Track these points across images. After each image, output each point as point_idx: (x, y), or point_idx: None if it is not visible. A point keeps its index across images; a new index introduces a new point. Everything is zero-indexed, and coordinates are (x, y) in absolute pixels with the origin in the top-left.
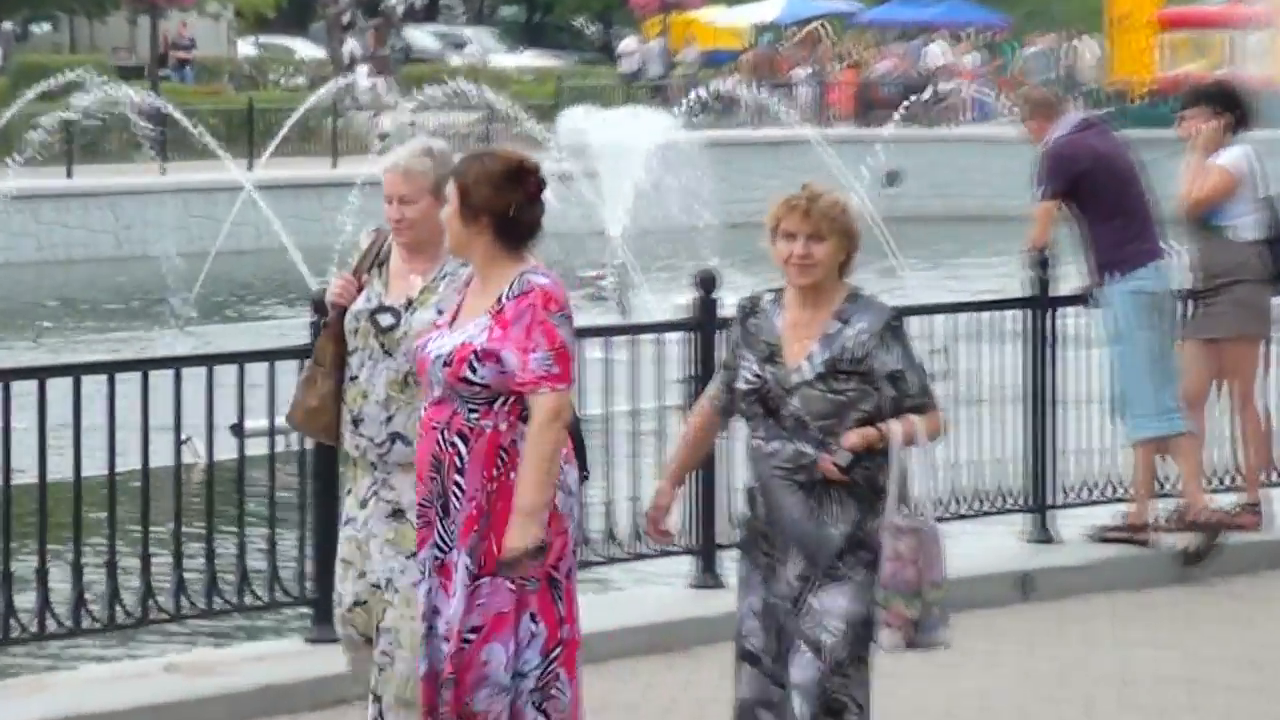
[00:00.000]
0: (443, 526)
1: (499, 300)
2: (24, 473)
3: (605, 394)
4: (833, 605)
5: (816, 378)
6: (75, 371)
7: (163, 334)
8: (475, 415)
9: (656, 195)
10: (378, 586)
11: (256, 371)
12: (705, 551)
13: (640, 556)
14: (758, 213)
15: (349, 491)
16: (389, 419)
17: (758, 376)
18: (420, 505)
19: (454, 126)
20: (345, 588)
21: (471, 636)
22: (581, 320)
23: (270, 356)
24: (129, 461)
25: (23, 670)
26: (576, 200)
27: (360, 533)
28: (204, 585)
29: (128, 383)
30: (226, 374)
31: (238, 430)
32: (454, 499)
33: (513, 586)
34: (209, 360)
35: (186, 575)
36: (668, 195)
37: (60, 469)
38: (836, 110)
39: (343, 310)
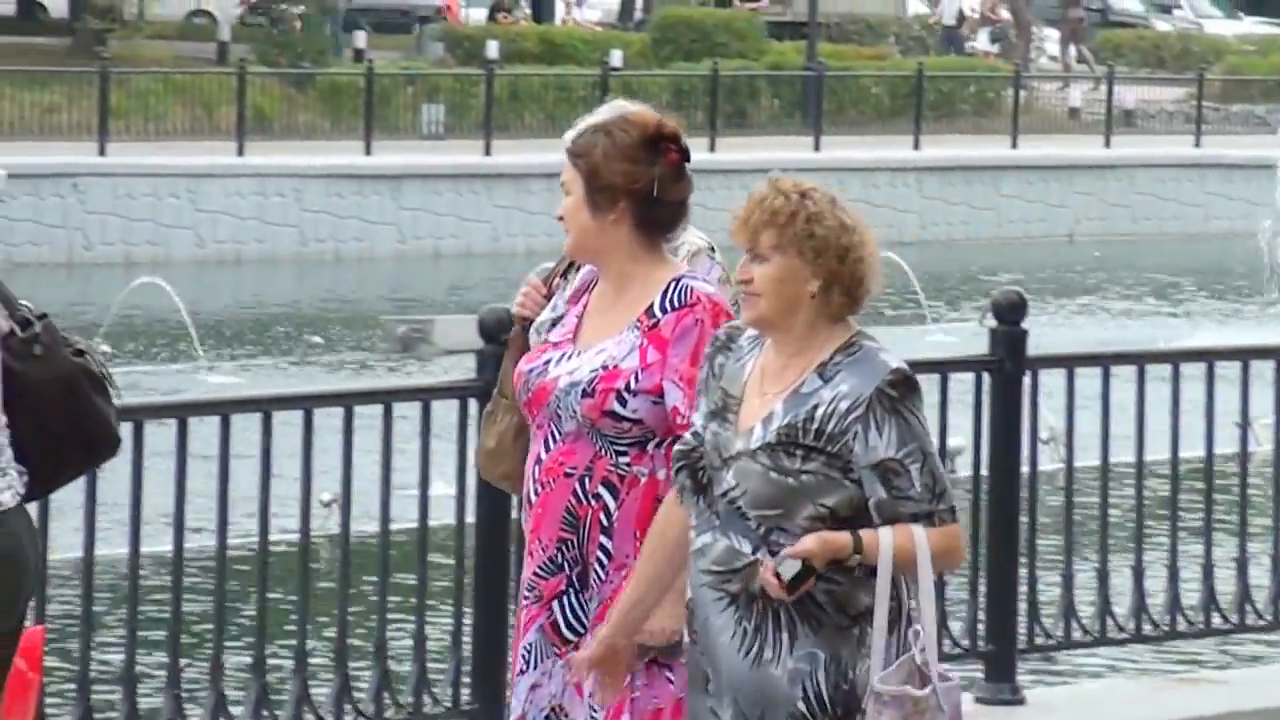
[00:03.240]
0: (577, 602)
1: (650, 312)
2: None
3: None
4: None
5: (763, 448)
6: None
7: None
8: (625, 460)
9: None
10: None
11: None
12: None
13: None
14: None
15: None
16: None
17: (696, 435)
18: (535, 575)
19: (1156, 103)
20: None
21: None
22: None
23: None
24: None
25: None
26: None
27: None
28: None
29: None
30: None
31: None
32: (596, 569)
33: (672, 675)
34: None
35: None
36: None
37: None
38: None
39: (528, 324)
